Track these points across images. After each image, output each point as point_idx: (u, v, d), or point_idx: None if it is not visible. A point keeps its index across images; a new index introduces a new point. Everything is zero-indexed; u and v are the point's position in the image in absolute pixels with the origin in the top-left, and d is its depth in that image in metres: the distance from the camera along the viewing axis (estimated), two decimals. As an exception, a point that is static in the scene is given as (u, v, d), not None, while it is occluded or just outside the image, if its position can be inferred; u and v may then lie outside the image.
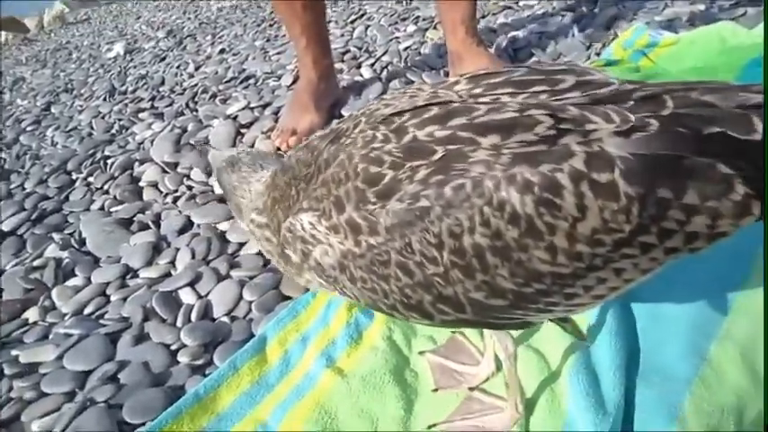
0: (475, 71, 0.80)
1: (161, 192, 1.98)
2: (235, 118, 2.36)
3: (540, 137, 0.64)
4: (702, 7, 2.27)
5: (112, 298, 1.50)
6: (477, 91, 0.74)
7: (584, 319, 1.04)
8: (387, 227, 0.69)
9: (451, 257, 0.67)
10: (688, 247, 0.64)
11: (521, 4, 2.89)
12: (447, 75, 2.26)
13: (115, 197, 2.01)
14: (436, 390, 1.04)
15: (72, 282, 1.62)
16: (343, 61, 2.72)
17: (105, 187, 2.12)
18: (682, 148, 0.61)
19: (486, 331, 1.05)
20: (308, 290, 1.31)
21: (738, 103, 0.63)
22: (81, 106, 3.29)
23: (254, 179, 0.97)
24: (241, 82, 2.86)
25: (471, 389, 1.01)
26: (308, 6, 1.98)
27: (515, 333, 0.97)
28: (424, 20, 3.01)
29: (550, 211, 0.62)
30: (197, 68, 3.36)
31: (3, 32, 7.50)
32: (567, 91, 0.70)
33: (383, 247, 0.70)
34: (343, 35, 3.11)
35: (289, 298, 1.34)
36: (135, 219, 1.85)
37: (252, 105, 2.46)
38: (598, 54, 2.11)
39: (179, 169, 2.07)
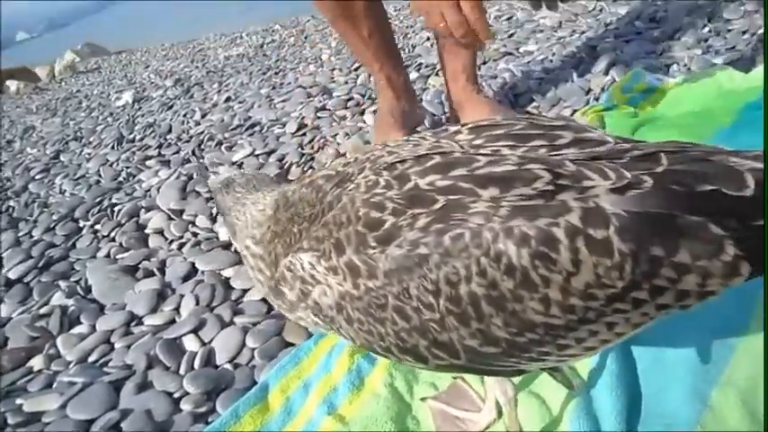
0: (477, 121, 0.83)
1: (166, 239, 2.00)
2: (240, 165, 2.40)
3: (539, 191, 0.66)
4: (699, 52, 2.31)
5: (117, 345, 1.51)
6: (479, 142, 0.77)
7: (584, 362, 1.04)
8: (385, 271, 0.71)
9: (447, 305, 0.68)
10: (678, 304, 0.66)
11: (521, 50, 2.94)
12: (449, 120, 2.29)
13: (121, 244, 2.04)
14: (438, 437, 1.03)
15: (77, 329, 1.63)
16: (346, 108, 2.77)
17: (112, 234, 2.14)
18: (674, 206, 0.63)
19: (487, 377, 1.05)
20: (310, 335, 1.32)
21: (731, 164, 0.66)
22: (89, 154, 3.34)
23: (249, 201, 0.98)
24: (246, 129, 2.91)
25: (473, 435, 1.01)
26: (374, 31, 1.99)
27: (515, 378, 0.97)
28: (426, 66, 3.07)
29: (546, 265, 0.64)
30: (203, 116, 3.42)
31: (15, 81, 7.66)
32: (565, 147, 0.73)
33: (381, 291, 0.72)
34: (346, 82, 3.17)
35: (291, 344, 1.35)
36: (140, 266, 1.86)
37: (257, 152, 2.51)
38: (597, 99, 2.14)
39: (184, 216, 2.10)
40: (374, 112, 2.59)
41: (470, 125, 0.82)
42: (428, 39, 3.53)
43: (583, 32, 2.94)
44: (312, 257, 0.79)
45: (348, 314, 0.77)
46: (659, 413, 0.94)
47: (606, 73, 2.32)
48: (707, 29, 2.54)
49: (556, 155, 0.71)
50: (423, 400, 1.10)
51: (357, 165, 0.85)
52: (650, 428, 0.92)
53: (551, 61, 2.67)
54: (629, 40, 2.65)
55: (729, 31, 2.45)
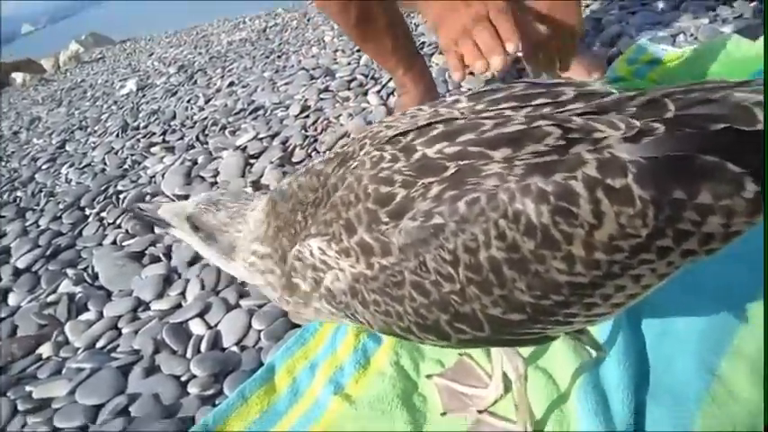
0: (476, 89, 0.81)
1: (172, 224, 1.99)
2: (244, 149, 2.39)
3: (551, 147, 0.65)
4: (706, 21, 2.27)
5: (124, 331, 1.51)
6: (480, 107, 0.76)
7: (592, 334, 1.03)
8: (400, 246, 0.69)
9: (467, 273, 0.67)
10: (704, 248, 0.64)
11: (525, 25, 2.90)
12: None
13: (127, 231, 2.04)
14: (444, 413, 1.03)
15: (85, 316, 1.63)
16: (349, 89, 2.74)
17: (117, 222, 2.14)
18: (690, 147, 0.62)
19: (494, 353, 1.04)
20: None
21: (737, 101, 0.65)
22: (95, 143, 3.34)
23: (247, 210, 0.90)
24: (250, 113, 2.89)
25: (480, 411, 1.00)
26: (397, 43, 1.98)
27: (526, 353, 0.96)
28: (429, 45, 3.03)
29: (567, 220, 0.62)
30: (207, 102, 3.41)
31: (20, 74, 7.66)
32: (569, 102, 0.71)
33: (396, 268, 0.70)
34: (349, 63, 3.14)
35: (297, 326, 1.34)
36: (146, 252, 1.86)
37: (260, 136, 2.49)
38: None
39: (189, 201, 2.09)
40: (377, 92, 2.58)
41: (469, 93, 0.80)
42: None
43: (587, 5, 2.89)
44: (321, 242, 0.76)
45: (363, 297, 0.74)
46: (668, 384, 0.93)
47: (612, 45, 2.29)
48: (714, -3, 2.49)
49: (561, 111, 0.70)
50: (429, 377, 1.10)
51: (357, 143, 0.83)
52: (658, 400, 0.91)
53: (556, 35, 2.63)
54: (635, 12, 2.60)
55: (736, -1, 2.40)
